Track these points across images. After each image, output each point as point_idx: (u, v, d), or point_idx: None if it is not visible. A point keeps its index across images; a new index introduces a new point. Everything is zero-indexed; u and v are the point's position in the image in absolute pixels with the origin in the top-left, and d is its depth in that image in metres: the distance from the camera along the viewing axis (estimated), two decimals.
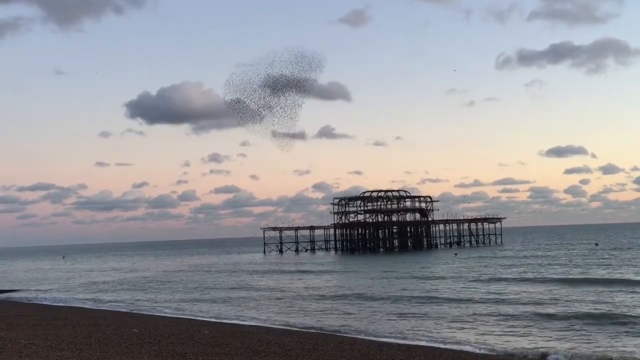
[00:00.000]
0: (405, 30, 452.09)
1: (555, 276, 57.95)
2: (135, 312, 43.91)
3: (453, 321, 33.79)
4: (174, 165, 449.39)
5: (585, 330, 29.49)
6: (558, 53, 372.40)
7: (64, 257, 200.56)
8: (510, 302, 40.49)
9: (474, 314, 35.70)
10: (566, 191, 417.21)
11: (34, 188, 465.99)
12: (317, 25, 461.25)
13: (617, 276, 55.93)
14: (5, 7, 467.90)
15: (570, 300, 39.71)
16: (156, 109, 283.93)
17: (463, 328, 31.63)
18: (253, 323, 36.02)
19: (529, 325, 31.34)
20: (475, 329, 31.42)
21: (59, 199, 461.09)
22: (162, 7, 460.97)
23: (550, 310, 35.97)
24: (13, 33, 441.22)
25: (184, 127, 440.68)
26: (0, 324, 31.99)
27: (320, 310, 40.96)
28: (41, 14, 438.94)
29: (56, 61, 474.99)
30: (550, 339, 27.95)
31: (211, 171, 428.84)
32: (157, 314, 42.11)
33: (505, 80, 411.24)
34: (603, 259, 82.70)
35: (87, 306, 49.68)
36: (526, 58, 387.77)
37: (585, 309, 35.93)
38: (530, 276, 59.02)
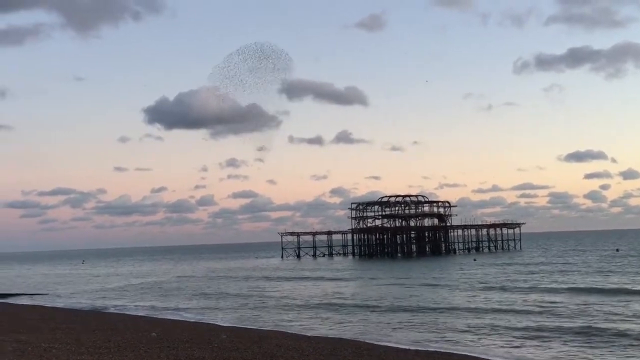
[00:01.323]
0: (422, 35, 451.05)
1: (574, 285, 56.58)
2: (154, 316, 44.18)
3: (470, 330, 33.46)
4: (191, 170, 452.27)
5: (602, 344, 28.60)
6: (577, 57, 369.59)
7: (83, 262, 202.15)
8: (528, 312, 39.77)
9: (491, 324, 35.06)
10: (586, 196, 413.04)
11: (54, 193, 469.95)
12: (333, 30, 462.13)
13: (637, 286, 54.73)
14: (25, 14, 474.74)
15: (588, 311, 38.70)
16: (174, 115, 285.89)
17: (480, 337, 31.36)
18: (270, 328, 36.07)
19: (546, 337, 30.61)
20: (492, 338, 31.20)
21: (78, 204, 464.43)
22: (180, 13, 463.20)
23: (568, 322, 35.07)
24: (33, 39, 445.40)
25: (202, 132, 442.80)
26: (21, 328, 32.38)
27: (338, 317, 40.97)
28: (60, 20, 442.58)
29: (75, 67, 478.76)
30: (566, 352, 27.54)
31: (229, 176, 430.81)
32: (175, 318, 42.34)
33: (523, 84, 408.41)
34: (623, 265, 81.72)
35: (106, 310, 50.04)
36: (544, 62, 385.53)
37: (603, 321, 35.09)
38: (549, 285, 57.97)
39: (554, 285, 56.56)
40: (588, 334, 30.58)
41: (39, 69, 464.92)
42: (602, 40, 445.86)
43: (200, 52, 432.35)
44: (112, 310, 50.28)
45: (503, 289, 55.15)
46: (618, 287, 53.04)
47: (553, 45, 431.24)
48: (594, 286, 54.72)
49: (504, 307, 41.83)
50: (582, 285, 55.66)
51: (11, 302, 59.42)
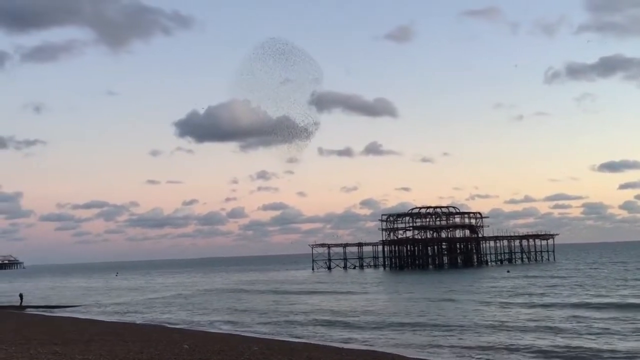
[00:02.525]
0: (451, 46, 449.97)
1: (609, 300, 54.54)
2: (186, 328, 44.41)
3: (501, 347, 32.48)
4: (222, 183, 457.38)
5: None
6: (608, 66, 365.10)
7: (117, 274, 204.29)
8: (562, 329, 38.21)
9: (525, 343, 34.02)
10: (621, 207, 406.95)
11: (88, 206, 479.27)
12: (362, 42, 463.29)
13: None
14: (58, 30, 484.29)
15: (617, 328, 37.01)
16: (204, 128, 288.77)
17: (518, 355, 30.69)
18: (301, 340, 36.01)
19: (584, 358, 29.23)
20: (529, 355, 30.67)
21: (112, 217, 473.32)
22: (209, 27, 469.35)
23: (602, 340, 33.60)
24: (66, 55, 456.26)
25: (232, 145, 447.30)
26: (56, 339, 32.77)
27: (369, 330, 40.74)
28: (92, 36, 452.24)
29: (108, 82, 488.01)
30: None
31: (259, 188, 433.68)
32: (207, 330, 42.50)
33: (554, 94, 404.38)
34: None
35: (139, 322, 50.44)
36: (576, 71, 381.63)
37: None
38: (583, 299, 55.97)
39: (587, 300, 54.97)
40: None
41: (72, 85, 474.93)
42: (634, 48, 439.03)
43: (229, 66, 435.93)
44: (144, 322, 50.68)
45: (536, 303, 53.95)
46: None
47: (584, 54, 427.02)
48: (630, 301, 52.95)
49: (539, 324, 40.23)
50: (616, 300, 53.98)
51: (46, 314, 60.34)
